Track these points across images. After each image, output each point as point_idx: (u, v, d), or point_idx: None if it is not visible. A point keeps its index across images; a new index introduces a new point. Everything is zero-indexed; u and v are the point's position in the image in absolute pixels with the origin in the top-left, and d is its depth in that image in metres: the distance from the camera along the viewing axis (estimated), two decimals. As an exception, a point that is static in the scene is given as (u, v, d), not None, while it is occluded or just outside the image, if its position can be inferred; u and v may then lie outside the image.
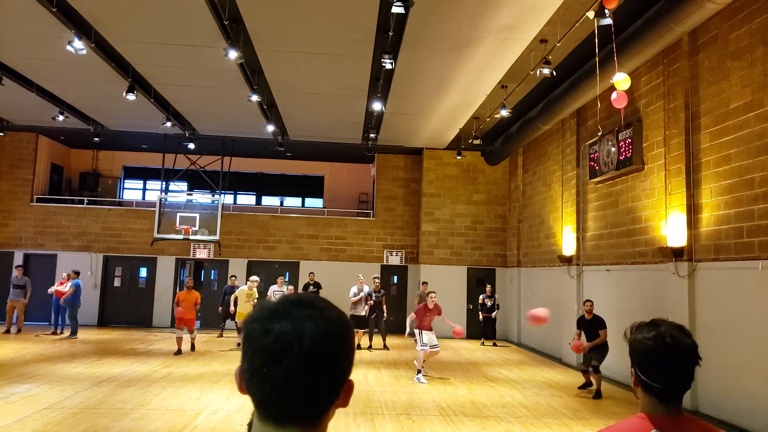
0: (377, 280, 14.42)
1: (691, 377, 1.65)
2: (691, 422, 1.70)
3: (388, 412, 7.75)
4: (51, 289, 14.84)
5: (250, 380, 0.97)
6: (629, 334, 1.73)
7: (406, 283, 18.11)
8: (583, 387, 9.67)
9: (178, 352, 12.09)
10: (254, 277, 13.86)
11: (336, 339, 0.98)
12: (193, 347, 12.68)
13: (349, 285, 14.11)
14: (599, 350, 9.28)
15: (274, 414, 0.97)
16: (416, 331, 10.33)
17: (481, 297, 15.65)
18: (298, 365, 0.93)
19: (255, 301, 14.08)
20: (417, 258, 17.98)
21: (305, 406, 0.96)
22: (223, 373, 10.17)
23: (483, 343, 15.52)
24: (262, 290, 14.69)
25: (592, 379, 9.33)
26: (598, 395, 9.10)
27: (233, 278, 15.47)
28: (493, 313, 15.46)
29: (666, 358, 1.63)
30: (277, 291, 14.23)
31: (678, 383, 1.65)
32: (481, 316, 15.50)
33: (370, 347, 13.76)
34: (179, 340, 12.24)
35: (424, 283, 14.72)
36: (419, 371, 10.23)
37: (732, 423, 7.51)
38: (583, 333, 9.62)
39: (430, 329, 10.45)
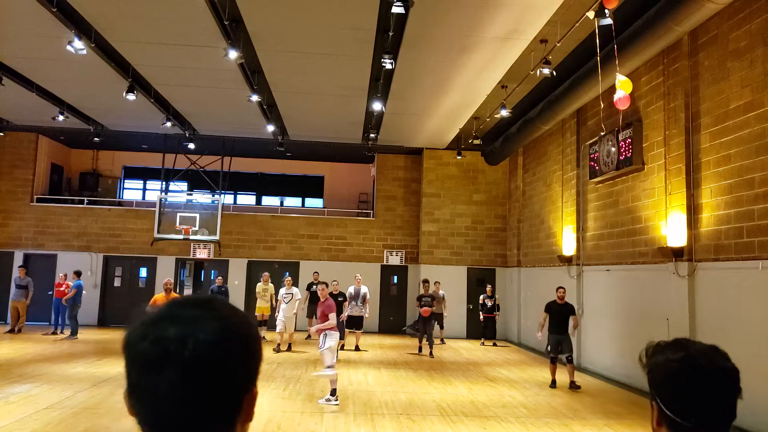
0: (426, 284, 13.60)
1: (734, 412, 1.27)
2: None
3: (388, 412, 7.75)
4: (63, 300, 14.57)
5: (131, 396, 0.81)
6: (645, 357, 1.32)
7: (406, 283, 18.11)
8: (553, 385, 9.87)
9: None
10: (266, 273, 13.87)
11: (229, 343, 0.82)
12: None
13: (349, 285, 14.06)
14: (568, 342, 9.69)
15: None
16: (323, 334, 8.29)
17: (481, 297, 15.63)
18: (180, 375, 0.77)
19: (270, 296, 13.88)
20: (417, 258, 17.98)
21: (196, 423, 0.79)
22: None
23: (483, 343, 15.51)
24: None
25: (566, 371, 9.74)
26: (574, 386, 9.59)
27: (220, 278, 15.26)
28: (494, 314, 15.46)
29: (700, 386, 1.22)
30: (285, 294, 12.99)
31: (716, 419, 1.23)
32: (481, 316, 15.50)
33: (430, 354, 12.87)
34: None
35: (425, 281, 13.96)
36: (332, 393, 8.04)
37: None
38: (548, 317, 9.94)
39: (334, 329, 8.31)
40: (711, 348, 1.32)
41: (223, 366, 0.81)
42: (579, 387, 9.63)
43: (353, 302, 13.35)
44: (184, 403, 0.78)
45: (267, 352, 11.21)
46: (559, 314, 9.84)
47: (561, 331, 9.77)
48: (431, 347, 12.96)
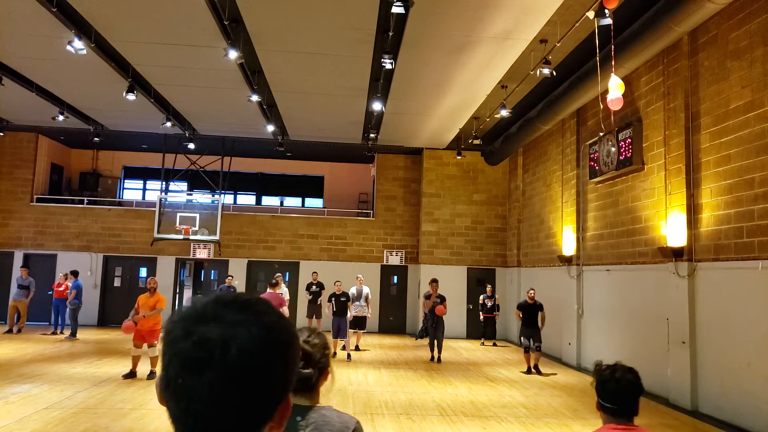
0: (434, 284, 12.71)
1: (635, 404, 2.42)
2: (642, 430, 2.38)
3: (388, 412, 7.75)
4: (67, 303, 14.56)
5: (165, 391, 0.81)
6: (595, 371, 2.57)
7: (406, 283, 18.11)
8: (527, 372, 11.19)
9: (130, 375, 9.22)
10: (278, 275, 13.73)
11: (271, 350, 0.82)
12: (152, 374, 9.27)
13: (349, 285, 14.06)
14: (537, 335, 11.30)
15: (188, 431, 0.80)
16: None
17: (481, 297, 15.63)
18: (221, 379, 0.77)
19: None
20: (417, 258, 17.98)
21: (229, 427, 0.80)
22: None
23: (483, 343, 15.52)
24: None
25: (532, 358, 11.29)
26: (537, 369, 11.21)
27: (230, 278, 15.36)
28: (494, 314, 15.46)
29: (618, 388, 2.42)
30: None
31: (627, 406, 2.42)
32: (481, 316, 15.50)
33: (433, 358, 12.47)
34: (135, 358, 9.29)
35: (434, 281, 13.03)
36: None
37: (732, 423, 7.51)
38: (522, 314, 11.54)
39: None
40: (628, 368, 2.44)
41: (264, 373, 0.81)
42: (541, 372, 11.14)
43: (356, 302, 13.30)
44: (220, 407, 0.78)
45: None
46: (530, 311, 11.44)
47: (532, 325, 11.35)
48: (440, 351, 12.44)
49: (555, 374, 11.13)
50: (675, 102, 9.08)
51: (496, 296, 15.79)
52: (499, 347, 15.23)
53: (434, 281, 12.88)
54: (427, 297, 12.66)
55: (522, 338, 11.45)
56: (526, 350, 11.32)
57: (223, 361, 0.78)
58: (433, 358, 12.47)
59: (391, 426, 6.96)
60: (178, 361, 0.80)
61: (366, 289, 13.65)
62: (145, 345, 9.28)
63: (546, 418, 7.66)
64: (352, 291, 13.41)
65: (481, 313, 15.52)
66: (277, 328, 0.84)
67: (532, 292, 11.69)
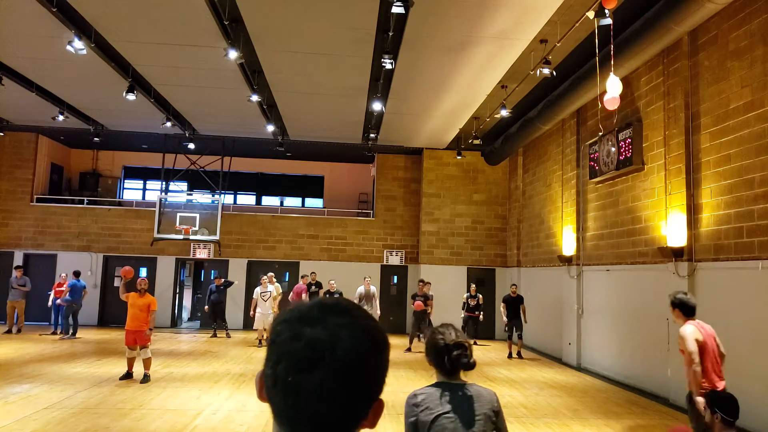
0: (421, 284, 14.22)
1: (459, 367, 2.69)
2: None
3: (388, 412, 7.74)
4: (59, 300, 14.66)
5: (272, 388, 0.88)
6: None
7: (406, 283, 18.10)
8: (509, 356, 13.13)
9: (126, 376, 9.22)
10: (269, 274, 14.29)
11: (372, 352, 0.90)
12: (146, 377, 9.14)
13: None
14: (519, 324, 13.16)
15: (297, 427, 0.87)
16: None
17: (464, 296, 15.36)
18: (330, 377, 0.85)
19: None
20: (417, 258, 17.98)
21: (332, 422, 0.86)
22: (223, 373, 10.18)
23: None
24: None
25: (515, 345, 13.20)
26: (519, 355, 13.14)
27: (218, 278, 15.45)
28: (477, 313, 15.24)
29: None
30: (262, 293, 13.91)
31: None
32: (463, 314, 15.30)
33: (409, 349, 13.64)
34: (130, 360, 9.25)
35: (427, 282, 14.65)
36: None
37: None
38: (506, 306, 13.38)
39: None
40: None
41: (366, 372, 0.88)
42: (523, 357, 13.06)
43: (363, 302, 13.81)
44: (327, 404, 0.85)
45: (258, 351, 11.36)
46: (513, 304, 13.29)
47: (515, 317, 13.19)
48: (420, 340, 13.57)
49: (522, 357, 13.07)
50: (675, 102, 9.08)
51: (479, 296, 15.58)
52: (499, 347, 15.22)
53: (422, 281, 14.09)
54: (413, 297, 13.82)
55: (506, 327, 13.39)
56: (510, 337, 13.31)
57: (332, 360, 0.85)
58: (409, 349, 13.45)
59: (391, 426, 6.96)
60: (289, 361, 0.86)
61: (373, 289, 14.29)
62: (138, 347, 9.16)
63: (546, 418, 7.66)
64: (360, 291, 13.93)
65: (463, 311, 15.35)
66: (376, 331, 0.92)
67: (514, 287, 13.67)
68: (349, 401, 0.87)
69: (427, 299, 13.67)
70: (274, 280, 14.55)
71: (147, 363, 9.21)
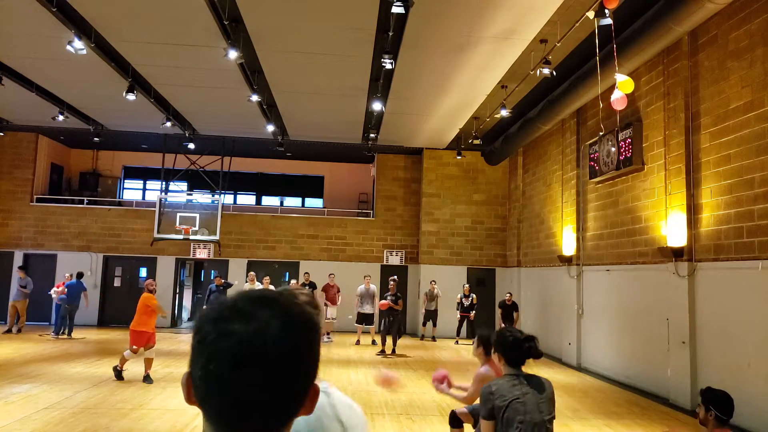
0: (392, 282, 13.38)
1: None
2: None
3: (388, 412, 7.75)
4: (52, 293, 14.76)
5: (203, 388, 0.87)
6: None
7: (406, 283, 18.10)
8: None
9: (119, 375, 9.14)
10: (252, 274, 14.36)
11: (304, 341, 0.90)
12: (147, 377, 9.09)
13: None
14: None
15: (234, 423, 0.86)
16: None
17: (458, 296, 15.47)
18: (265, 370, 0.84)
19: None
20: (417, 258, 17.98)
21: (271, 415, 0.87)
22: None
23: (457, 342, 15.50)
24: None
25: None
26: None
27: (218, 277, 15.20)
28: (470, 313, 15.30)
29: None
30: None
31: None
32: (458, 315, 15.39)
33: (383, 351, 12.96)
34: (124, 360, 9.17)
35: (393, 279, 13.63)
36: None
37: (732, 423, 7.50)
38: (501, 311, 14.16)
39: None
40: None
41: (300, 360, 0.89)
42: None
43: (364, 300, 14.10)
44: (266, 396, 0.85)
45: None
46: (508, 310, 14.13)
47: (509, 320, 13.93)
48: (395, 344, 13.14)
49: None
50: (675, 102, 9.08)
51: (473, 295, 15.62)
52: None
53: (393, 280, 13.51)
54: (384, 297, 13.25)
55: None
56: None
57: (264, 353, 0.85)
58: (383, 351, 12.90)
59: (391, 426, 6.96)
60: (222, 359, 0.85)
61: (373, 288, 14.55)
62: (140, 348, 9.11)
63: (546, 418, 7.65)
64: (361, 289, 14.14)
65: (458, 312, 15.43)
66: (303, 316, 0.92)
67: (509, 295, 14.47)
68: (287, 391, 0.87)
69: (398, 299, 13.03)
70: (255, 279, 14.30)
71: (149, 363, 9.20)
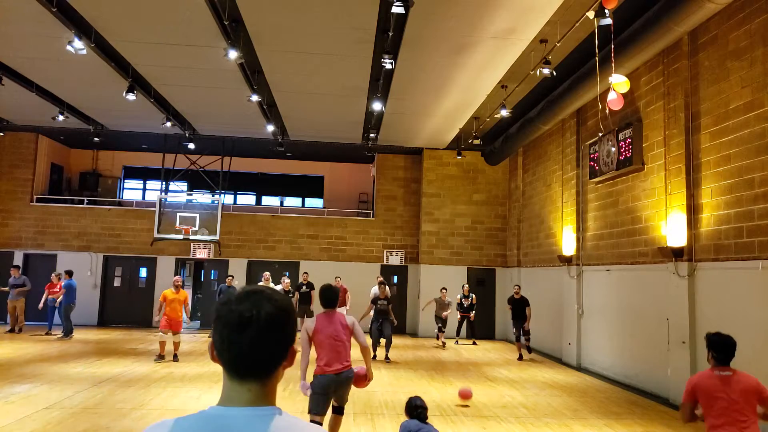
0: (383, 286, 12.92)
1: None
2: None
3: (388, 412, 7.75)
4: (49, 298, 14.63)
5: (220, 347, 1.26)
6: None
7: (406, 283, 18.11)
8: (520, 358, 13.00)
9: (160, 357, 11.17)
10: (267, 274, 14.40)
11: (283, 315, 1.28)
12: (176, 357, 11.29)
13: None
14: (522, 326, 13.08)
15: (238, 371, 1.25)
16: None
17: (458, 296, 15.38)
18: (257, 333, 1.24)
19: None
20: (417, 258, 17.98)
21: (261, 365, 1.26)
22: (223, 373, 10.17)
23: (457, 342, 15.48)
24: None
25: (523, 348, 13.20)
26: (528, 350, 13.35)
27: (230, 278, 15.21)
28: (470, 314, 15.26)
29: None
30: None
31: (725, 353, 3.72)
32: (459, 315, 15.36)
33: (374, 357, 12.19)
34: (162, 344, 11.22)
35: (381, 283, 13.18)
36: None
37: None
38: (512, 306, 13.34)
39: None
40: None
41: (281, 327, 1.27)
42: (523, 359, 13.01)
43: (380, 301, 13.17)
44: (257, 351, 1.25)
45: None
46: (518, 305, 13.20)
47: (521, 318, 13.11)
48: (388, 350, 12.37)
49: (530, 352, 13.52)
50: (675, 102, 9.08)
51: (473, 295, 15.57)
52: (499, 347, 15.21)
53: (382, 283, 12.94)
54: (374, 301, 12.56)
55: (514, 330, 13.30)
56: (518, 339, 13.13)
57: (257, 322, 1.25)
58: (375, 356, 12.14)
59: (391, 426, 6.96)
60: (230, 327, 1.25)
61: (374, 290, 14.03)
62: (169, 332, 11.17)
63: (546, 418, 7.66)
64: (374, 291, 13.48)
65: (458, 312, 15.37)
66: (284, 302, 1.31)
67: (517, 288, 13.63)
68: (273, 348, 1.26)
69: (389, 303, 12.55)
70: (270, 279, 14.33)
71: (177, 345, 11.39)
